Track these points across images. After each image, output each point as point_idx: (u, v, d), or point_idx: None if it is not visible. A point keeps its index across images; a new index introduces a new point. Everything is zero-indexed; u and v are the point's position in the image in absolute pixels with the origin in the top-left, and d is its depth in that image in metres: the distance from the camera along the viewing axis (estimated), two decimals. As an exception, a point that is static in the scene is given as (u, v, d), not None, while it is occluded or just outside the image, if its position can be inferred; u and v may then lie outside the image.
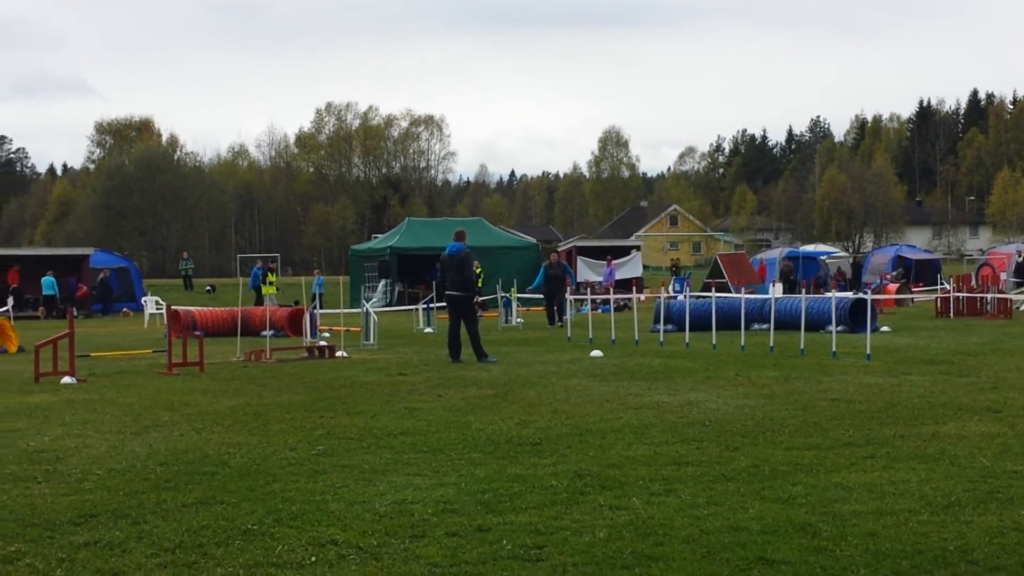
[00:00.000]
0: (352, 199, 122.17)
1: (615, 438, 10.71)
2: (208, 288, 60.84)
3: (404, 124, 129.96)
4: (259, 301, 40.42)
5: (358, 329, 26.65)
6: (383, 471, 9.24)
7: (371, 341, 24.44)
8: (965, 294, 32.56)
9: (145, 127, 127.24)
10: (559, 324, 30.60)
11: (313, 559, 6.58)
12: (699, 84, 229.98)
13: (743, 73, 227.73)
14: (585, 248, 53.66)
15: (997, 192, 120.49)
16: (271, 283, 38.14)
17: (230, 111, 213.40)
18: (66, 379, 16.92)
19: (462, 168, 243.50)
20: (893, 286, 41.69)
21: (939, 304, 32.97)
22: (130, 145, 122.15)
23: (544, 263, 34.58)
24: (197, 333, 23.80)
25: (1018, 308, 32.47)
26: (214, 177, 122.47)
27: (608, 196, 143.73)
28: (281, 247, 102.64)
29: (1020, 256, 52.01)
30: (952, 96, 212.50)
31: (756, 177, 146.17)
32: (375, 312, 26.08)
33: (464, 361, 19.53)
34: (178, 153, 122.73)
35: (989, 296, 32.05)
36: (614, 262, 47.04)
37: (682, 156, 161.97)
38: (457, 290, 20.32)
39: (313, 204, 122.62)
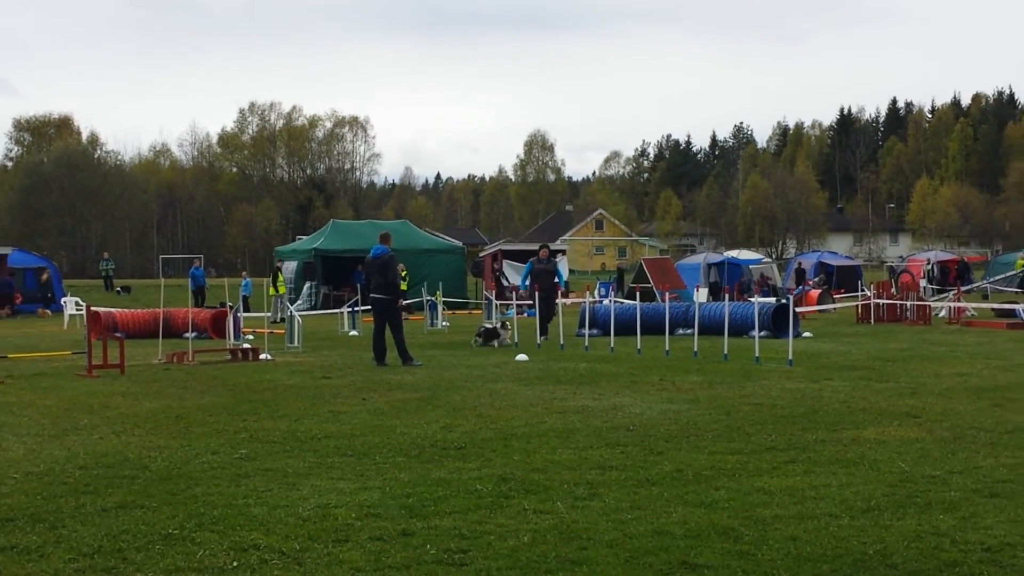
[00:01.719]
0: (276, 200, 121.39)
1: (540, 442, 10.72)
2: (119, 289, 58.94)
3: (328, 125, 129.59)
4: (198, 303, 40.36)
5: (282, 331, 26.48)
6: (306, 475, 9.18)
7: (295, 344, 24.30)
8: (885, 300, 33.00)
9: (64, 125, 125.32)
10: (543, 339, 25.01)
11: (235, 564, 6.51)
12: (624, 89, 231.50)
13: (668, 78, 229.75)
14: (510, 251, 53.72)
15: (916, 200, 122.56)
16: (280, 283, 38.39)
17: (152, 109, 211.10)
18: (-18, 381, 16.64)
19: (387, 170, 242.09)
20: (815, 292, 42.15)
21: (860, 310, 33.40)
22: (49, 143, 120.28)
23: (532, 258, 28.59)
24: (118, 334, 23.50)
25: (937, 314, 32.98)
26: (135, 176, 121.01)
27: (534, 200, 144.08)
28: (204, 248, 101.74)
29: (930, 264, 52.98)
30: (872, 104, 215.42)
31: (681, 182, 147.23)
32: (299, 315, 25.92)
33: (389, 365, 19.46)
34: (98, 151, 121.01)
35: (909, 303, 32.52)
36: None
37: (607, 160, 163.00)
38: (381, 293, 20.23)
39: (236, 205, 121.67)
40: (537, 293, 26.08)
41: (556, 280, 27.50)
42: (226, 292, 27.06)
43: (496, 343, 24.24)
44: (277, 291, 38.82)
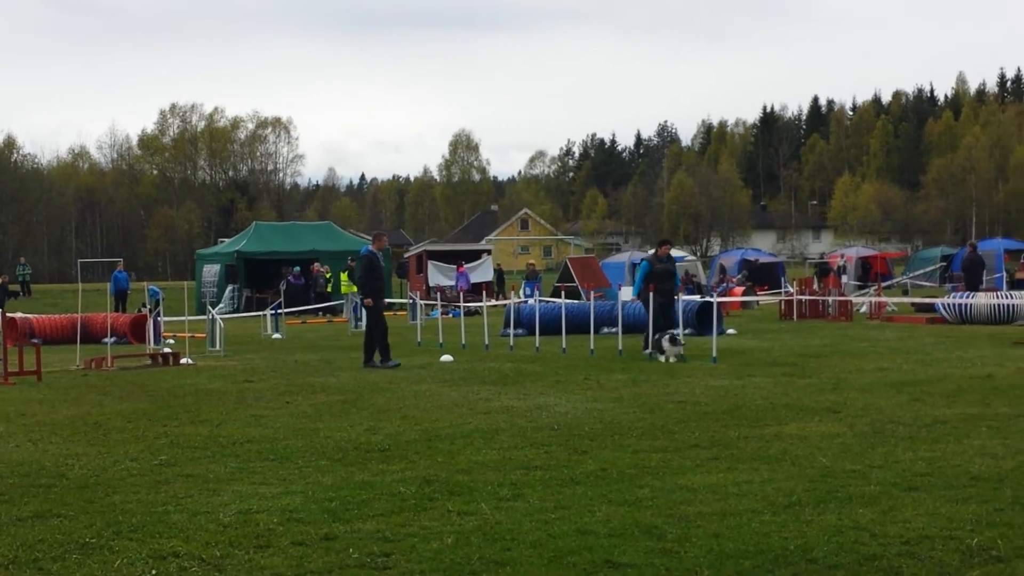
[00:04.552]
0: (198, 202, 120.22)
1: (464, 443, 10.69)
2: (11, 295, 55.58)
3: (251, 126, 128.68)
4: (119, 307, 40.04)
5: (203, 335, 26.21)
6: (228, 480, 9.07)
7: (217, 347, 24.06)
8: (808, 297, 33.31)
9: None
10: (676, 349, 19.49)
11: (154, 572, 6.42)
12: (548, 88, 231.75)
13: (592, 77, 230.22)
14: (436, 252, 53.64)
15: (838, 197, 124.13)
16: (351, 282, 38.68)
17: (70, 111, 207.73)
18: None
19: (310, 171, 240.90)
20: (739, 289, 42.51)
21: (783, 307, 33.70)
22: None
23: (646, 256, 24.01)
24: (34, 340, 23.14)
25: (858, 310, 33.36)
26: (53, 179, 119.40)
27: (459, 200, 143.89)
28: (124, 252, 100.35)
29: (843, 260, 53.73)
30: (794, 102, 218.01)
31: (606, 181, 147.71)
32: (221, 318, 25.66)
33: (400, 364, 19.84)
34: (15, 155, 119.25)
35: (830, 299, 32.86)
36: (466, 266, 47.13)
37: (532, 160, 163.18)
38: (360, 291, 20.96)
39: (157, 208, 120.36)
40: (654, 296, 21.09)
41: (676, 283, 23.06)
42: (146, 296, 26.74)
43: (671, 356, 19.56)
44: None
